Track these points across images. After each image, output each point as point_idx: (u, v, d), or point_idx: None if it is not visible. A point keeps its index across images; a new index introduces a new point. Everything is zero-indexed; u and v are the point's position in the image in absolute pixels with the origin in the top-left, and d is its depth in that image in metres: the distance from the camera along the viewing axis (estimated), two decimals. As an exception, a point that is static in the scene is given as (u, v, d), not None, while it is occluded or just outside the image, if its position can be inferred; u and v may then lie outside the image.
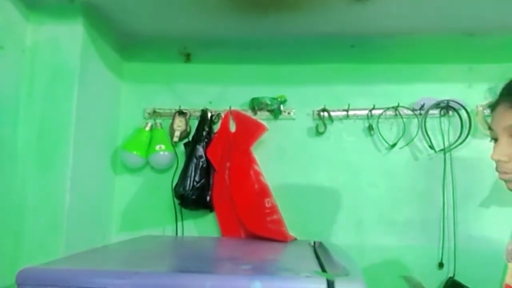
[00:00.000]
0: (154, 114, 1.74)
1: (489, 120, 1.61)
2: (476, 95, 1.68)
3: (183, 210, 1.66)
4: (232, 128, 1.70)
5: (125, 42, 1.76)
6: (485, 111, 1.64)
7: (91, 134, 1.52)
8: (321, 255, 1.19)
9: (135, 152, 1.64)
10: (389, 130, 1.70)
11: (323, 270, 0.95)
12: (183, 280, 0.86)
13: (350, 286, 0.80)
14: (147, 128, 1.69)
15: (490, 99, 1.64)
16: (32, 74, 1.40)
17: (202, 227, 1.69)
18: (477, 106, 1.65)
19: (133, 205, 1.71)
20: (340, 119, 1.71)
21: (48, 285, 0.87)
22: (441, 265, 1.59)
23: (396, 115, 1.69)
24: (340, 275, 0.87)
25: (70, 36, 1.43)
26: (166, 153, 1.65)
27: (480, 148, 1.65)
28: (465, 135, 1.64)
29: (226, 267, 1.03)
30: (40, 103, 1.39)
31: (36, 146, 1.37)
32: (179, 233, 1.66)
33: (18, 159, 1.35)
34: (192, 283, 0.84)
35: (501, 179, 0.90)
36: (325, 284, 0.80)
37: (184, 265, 1.09)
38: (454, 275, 1.57)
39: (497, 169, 0.89)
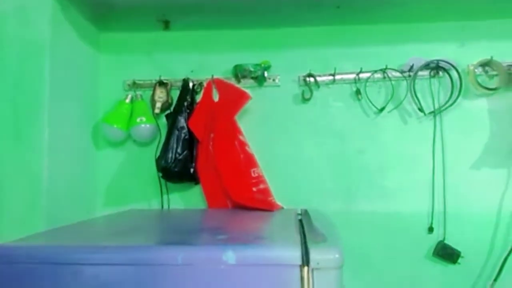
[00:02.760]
0: (134, 85, 1.68)
1: (480, 79, 1.57)
2: (468, 54, 1.61)
3: (168, 183, 1.63)
4: (215, 97, 1.64)
5: (100, 11, 1.68)
6: (476, 70, 1.58)
7: (68, 108, 1.47)
8: (305, 223, 1.16)
9: (115, 125, 1.59)
10: (377, 94, 1.64)
11: (304, 238, 0.92)
12: (156, 253, 0.83)
13: (325, 253, 0.78)
14: (127, 100, 1.64)
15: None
16: (1, 46, 1.34)
17: (188, 200, 1.66)
18: (468, 66, 1.58)
19: (117, 180, 1.68)
20: (327, 84, 1.65)
21: (17, 262, 0.84)
22: (430, 229, 1.57)
23: (384, 78, 1.63)
24: (318, 242, 0.85)
25: (38, 5, 1.36)
26: (148, 125, 1.61)
27: (471, 109, 1.60)
28: (456, 96, 1.58)
29: (203, 238, 1.00)
30: (12, 76, 1.34)
31: (9, 122, 1.32)
32: (165, 206, 1.64)
33: (-10, 136, 1.31)
34: (165, 255, 0.82)
35: None
36: (299, 251, 0.78)
37: (162, 238, 1.06)
38: (444, 239, 1.55)
39: None
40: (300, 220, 1.25)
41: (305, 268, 0.77)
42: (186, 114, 1.59)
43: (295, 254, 0.77)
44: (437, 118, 1.60)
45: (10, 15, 1.35)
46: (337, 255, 0.77)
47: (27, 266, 0.84)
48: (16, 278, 0.84)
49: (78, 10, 1.55)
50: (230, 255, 0.78)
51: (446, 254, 1.53)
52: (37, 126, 1.33)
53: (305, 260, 0.77)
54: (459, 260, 1.53)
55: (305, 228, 1.04)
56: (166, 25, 1.71)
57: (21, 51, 1.35)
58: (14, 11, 1.35)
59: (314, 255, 0.76)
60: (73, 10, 1.51)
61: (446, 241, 1.55)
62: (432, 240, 1.56)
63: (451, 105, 1.59)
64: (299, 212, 1.39)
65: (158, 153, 1.58)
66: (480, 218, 1.56)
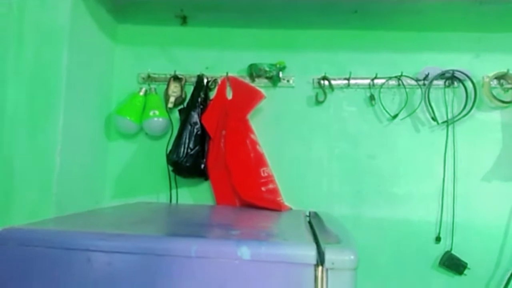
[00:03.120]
0: (149, 78, 1.69)
1: (495, 92, 1.56)
2: (483, 65, 1.61)
3: (178, 177, 1.63)
4: (229, 95, 1.65)
5: (119, 3, 1.70)
6: (491, 82, 1.58)
7: (83, 97, 1.48)
8: (315, 224, 1.16)
9: (128, 118, 1.60)
10: (391, 101, 1.64)
11: (316, 238, 0.92)
12: (169, 244, 0.83)
13: (341, 254, 0.77)
14: (141, 93, 1.64)
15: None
16: (20, 34, 1.35)
17: (196, 195, 1.66)
18: (483, 77, 1.58)
19: (127, 172, 1.68)
20: (341, 87, 1.65)
21: (30, 245, 0.84)
22: (438, 239, 1.56)
23: (398, 85, 1.63)
24: (332, 243, 0.84)
25: (59, -7, 1.37)
26: (160, 119, 1.61)
27: (484, 121, 1.60)
28: (470, 107, 1.58)
29: (215, 232, 1.00)
30: (29, 64, 1.35)
31: (25, 109, 1.33)
32: (173, 201, 1.64)
33: (6, 122, 1.31)
34: (178, 246, 0.81)
35: None
36: (314, 250, 0.77)
37: (173, 230, 1.06)
38: (451, 249, 1.55)
39: None
40: (309, 222, 1.25)
41: (320, 268, 0.76)
42: (200, 110, 1.59)
43: (310, 253, 0.77)
44: (450, 128, 1.59)
45: (33, 2, 1.36)
46: (352, 256, 0.77)
47: (40, 250, 0.84)
48: (28, 261, 0.84)
49: (98, 0, 1.55)
50: (244, 251, 0.78)
51: (453, 264, 1.53)
52: (52, 113, 1.33)
53: (320, 259, 0.76)
54: (465, 271, 1.52)
55: (316, 229, 1.04)
56: (184, 20, 1.72)
57: (40, 37, 1.35)
58: (35, -3, 1.36)
59: (329, 255, 0.76)
60: (93, 0, 1.51)
61: (453, 252, 1.54)
62: (439, 250, 1.56)
63: (464, 115, 1.58)
64: (308, 214, 1.39)
65: (170, 147, 1.58)
66: (488, 230, 1.55)
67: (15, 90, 1.33)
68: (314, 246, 0.79)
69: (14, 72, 1.34)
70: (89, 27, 1.52)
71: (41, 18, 1.36)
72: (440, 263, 1.54)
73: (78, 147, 1.45)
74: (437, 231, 1.57)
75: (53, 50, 1.36)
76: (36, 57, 1.35)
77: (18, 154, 1.31)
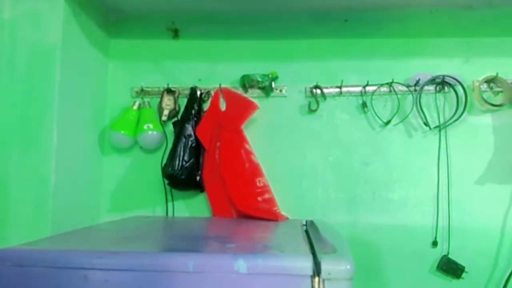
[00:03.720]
0: (142, 92, 1.69)
1: (485, 96, 1.58)
2: (473, 70, 1.63)
3: (174, 190, 1.63)
4: (222, 106, 1.65)
5: (111, 18, 1.71)
6: (481, 86, 1.60)
7: (76, 112, 1.48)
8: (311, 233, 1.16)
9: (122, 132, 1.60)
10: (383, 107, 1.65)
11: (312, 248, 0.92)
12: (166, 259, 0.83)
13: (336, 264, 0.78)
14: (135, 107, 1.65)
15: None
16: (12, 50, 1.36)
17: (193, 207, 1.66)
18: (473, 81, 1.60)
19: (122, 186, 1.68)
20: (333, 96, 1.67)
21: (26, 265, 0.84)
22: (435, 243, 1.57)
23: (390, 91, 1.64)
24: (328, 253, 0.85)
25: (51, 10, 1.38)
26: (155, 132, 1.61)
27: (476, 124, 1.61)
28: (461, 111, 1.59)
29: (212, 246, 1.00)
30: (21, 80, 1.35)
31: (19, 126, 1.33)
32: (170, 214, 1.63)
33: (-1, 139, 1.31)
34: (176, 262, 0.81)
35: None
36: (311, 262, 0.78)
37: (170, 245, 1.06)
38: (448, 253, 1.55)
39: None
40: (306, 231, 1.25)
41: (316, 279, 0.77)
42: (194, 122, 1.60)
43: (307, 265, 0.77)
44: (442, 132, 1.61)
45: (23, 20, 1.37)
46: (348, 266, 0.77)
47: (36, 270, 0.83)
48: (25, 281, 0.83)
49: (90, 16, 1.56)
50: (241, 264, 0.78)
51: (450, 268, 1.53)
52: (45, 131, 1.33)
53: (317, 270, 0.77)
54: (463, 275, 1.53)
55: (313, 239, 1.05)
56: (175, 33, 1.74)
57: (32, 55, 1.36)
58: (27, 15, 1.37)
59: (325, 265, 0.76)
60: (84, 16, 1.52)
61: (450, 256, 1.54)
62: (436, 254, 1.56)
63: (456, 120, 1.60)
64: (304, 223, 1.39)
65: (165, 160, 1.58)
66: (484, 233, 1.56)
67: (8, 108, 1.34)
68: (310, 257, 0.79)
69: (6, 90, 1.34)
70: (81, 43, 1.53)
71: (33, 35, 1.36)
72: (437, 267, 1.55)
73: (72, 163, 1.45)
74: (434, 235, 1.58)
75: (46, 67, 1.36)
76: (29, 74, 1.35)
77: (13, 172, 1.31)
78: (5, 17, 1.35)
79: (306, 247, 0.91)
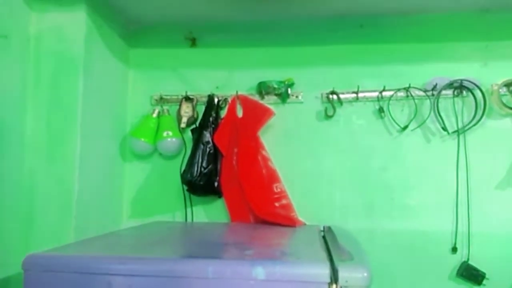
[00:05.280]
0: (161, 100, 1.73)
1: (504, 99, 1.56)
2: (491, 74, 1.61)
3: (192, 196, 1.66)
4: (239, 113, 1.68)
5: (130, 28, 1.76)
6: (500, 90, 1.58)
7: (98, 121, 1.53)
8: (329, 240, 1.17)
9: (143, 139, 1.64)
10: (400, 112, 1.65)
11: (330, 255, 0.93)
12: (186, 266, 0.86)
13: (354, 271, 0.79)
14: (155, 115, 1.69)
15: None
16: (38, 63, 1.41)
17: (211, 213, 1.68)
18: (492, 85, 1.58)
19: (142, 192, 1.72)
20: (350, 101, 1.67)
21: (54, 270, 0.88)
22: (454, 249, 1.55)
23: (407, 96, 1.64)
24: (345, 260, 0.86)
25: (74, 23, 1.43)
26: (174, 139, 1.65)
27: (495, 129, 1.59)
28: (480, 115, 1.58)
29: (231, 252, 1.02)
30: (47, 91, 1.41)
31: (44, 134, 1.39)
32: (189, 219, 1.67)
33: (26, 148, 1.37)
34: (196, 268, 0.84)
35: None
36: (328, 269, 0.79)
37: (190, 251, 1.08)
38: (468, 259, 1.54)
39: None
40: (324, 237, 1.26)
41: (334, 286, 0.78)
42: (211, 129, 1.63)
43: (324, 272, 0.79)
44: (461, 137, 1.60)
45: (48, 33, 1.42)
46: (365, 274, 0.78)
47: (63, 275, 0.87)
48: (52, 286, 0.87)
49: (110, 27, 1.61)
50: (259, 271, 0.80)
51: (471, 275, 1.51)
52: (70, 140, 1.39)
53: (334, 278, 0.78)
54: (484, 281, 1.51)
55: (330, 246, 1.06)
56: (193, 42, 1.77)
57: (56, 67, 1.41)
58: (51, 29, 1.42)
59: (342, 273, 0.78)
60: (105, 27, 1.57)
61: (470, 262, 1.53)
62: (456, 261, 1.55)
63: (475, 124, 1.58)
64: (322, 229, 1.40)
65: (184, 167, 1.62)
66: (505, 238, 1.54)
67: (34, 118, 1.39)
68: (327, 265, 0.80)
69: (32, 101, 1.39)
70: (102, 53, 1.58)
71: (57, 48, 1.42)
72: (457, 274, 1.53)
73: (95, 170, 1.49)
74: (453, 241, 1.56)
75: (70, 77, 1.41)
76: (53, 85, 1.41)
77: (39, 180, 1.37)
78: (31, 31, 1.40)
79: (323, 254, 0.92)
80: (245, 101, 1.68)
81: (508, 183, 1.57)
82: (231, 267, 0.83)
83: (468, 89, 1.60)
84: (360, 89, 1.65)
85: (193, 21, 1.75)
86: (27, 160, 1.37)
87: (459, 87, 1.61)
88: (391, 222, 1.60)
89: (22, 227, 1.34)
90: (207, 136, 1.62)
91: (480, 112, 1.58)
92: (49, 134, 1.38)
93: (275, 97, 1.70)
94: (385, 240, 1.59)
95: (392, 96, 1.64)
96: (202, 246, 1.12)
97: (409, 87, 1.63)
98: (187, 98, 1.71)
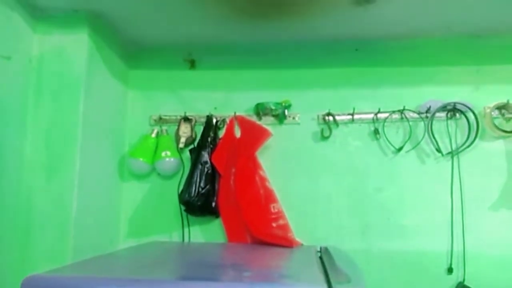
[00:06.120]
0: (160, 120, 1.75)
1: (497, 122, 1.60)
2: (483, 97, 1.65)
3: (190, 216, 1.66)
4: (237, 133, 1.70)
5: (131, 50, 1.79)
6: (493, 112, 1.62)
7: (97, 141, 1.54)
8: (326, 261, 1.18)
9: (141, 159, 1.66)
10: (395, 134, 1.68)
11: (327, 277, 0.94)
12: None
13: (351, 294, 0.80)
14: (153, 135, 1.71)
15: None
16: (39, 83, 1.43)
17: (208, 233, 1.69)
18: (484, 108, 1.62)
19: (140, 211, 1.72)
20: (346, 123, 1.70)
21: (52, 292, 0.88)
22: (450, 270, 1.56)
23: (402, 118, 1.67)
24: (342, 282, 0.87)
25: (75, 45, 1.46)
26: (172, 159, 1.66)
27: (488, 150, 1.63)
28: (473, 137, 1.61)
29: (229, 274, 1.03)
30: (47, 111, 1.42)
31: (43, 154, 1.40)
32: (186, 239, 1.67)
33: (25, 167, 1.38)
34: (194, 291, 0.85)
35: None
36: (325, 291, 0.80)
37: (188, 272, 1.09)
38: (464, 280, 1.55)
39: None
40: (321, 258, 1.27)
41: (331, 308, 0.79)
42: (209, 149, 1.65)
43: (322, 294, 0.80)
44: (455, 159, 1.63)
45: (49, 55, 1.45)
46: (362, 296, 0.79)
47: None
48: (50, 308, 0.87)
49: (111, 49, 1.65)
50: (258, 293, 0.81)
51: (466, 296, 1.52)
52: (69, 159, 1.40)
53: (331, 300, 0.79)
54: (480, 302, 1.51)
55: (327, 267, 1.07)
56: (192, 64, 1.81)
57: (58, 88, 1.44)
58: (53, 51, 1.45)
59: (340, 295, 0.79)
60: (106, 49, 1.60)
61: (465, 283, 1.54)
62: (452, 281, 1.56)
63: (468, 146, 1.62)
64: (319, 249, 1.41)
65: (182, 187, 1.63)
66: (500, 259, 1.55)
67: (34, 138, 1.40)
68: (325, 287, 0.81)
69: (33, 121, 1.41)
70: (103, 75, 1.60)
71: (59, 69, 1.44)
72: (454, 294, 1.54)
73: (93, 189, 1.50)
74: (449, 262, 1.57)
75: (71, 98, 1.43)
76: (54, 105, 1.43)
77: (37, 198, 1.37)
78: (33, 53, 1.43)
79: (321, 276, 0.93)
80: (243, 122, 1.71)
81: (501, 204, 1.59)
82: (230, 290, 0.84)
83: (461, 112, 1.64)
84: (355, 111, 1.68)
85: (192, 43, 1.79)
86: (26, 179, 1.37)
87: (452, 109, 1.65)
88: (387, 242, 1.61)
89: (20, 246, 1.33)
90: (205, 156, 1.63)
91: (473, 134, 1.62)
92: (48, 153, 1.40)
93: (272, 118, 1.72)
94: (381, 260, 1.59)
95: (387, 118, 1.67)
96: (199, 267, 1.12)
97: (404, 109, 1.67)
98: (186, 119, 1.73)
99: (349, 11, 1.45)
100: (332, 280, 0.88)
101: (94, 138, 1.51)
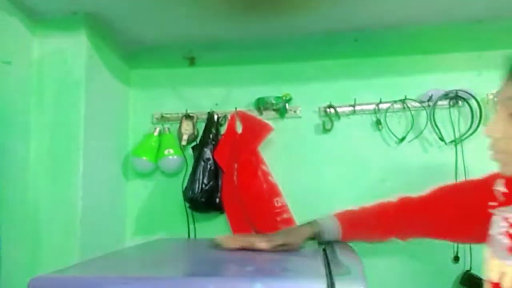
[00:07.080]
0: (162, 119, 1.77)
1: (500, 108, 1.58)
2: (486, 83, 1.63)
3: (195, 212, 1.68)
4: (239, 129, 1.71)
5: (130, 49, 1.80)
6: (495, 99, 1.60)
7: (101, 142, 1.56)
8: (329, 253, 1.18)
9: (144, 158, 1.67)
10: (397, 124, 1.67)
11: (329, 270, 0.95)
12: (187, 284, 0.87)
13: (350, 285, 0.80)
14: (156, 133, 1.72)
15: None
16: (40, 87, 1.45)
17: (213, 229, 1.70)
18: (487, 95, 1.61)
19: (145, 210, 1.74)
20: (347, 115, 1.70)
21: (58, 292, 0.90)
22: (456, 259, 1.56)
23: (403, 108, 1.66)
24: (342, 274, 0.87)
25: (75, 47, 1.47)
26: (175, 157, 1.68)
27: (492, 137, 1.61)
28: (476, 125, 1.60)
29: (231, 269, 1.04)
30: (50, 115, 1.44)
31: (48, 157, 1.42)
32: (192, 236, 1.68)
33: (30, 170, 1.40)
34: (196, 286, 0.86)
35: (494, 159, 0.85)
36: (325, 284, 0.80)
37: (192, 269, 1.10)
38: (470, 268, 1.54)
39: (490, 147, 0.84)
40: (324, 250, 1.27)
41: (331, 301, 0.79)
42: (212, 145, 1.66)
43: (321, 287, 0.80)
44: (459, 147, 1.61)
45: (50, 58, 1.46)
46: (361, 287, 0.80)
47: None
48: (57, 308, 0.89)
49: (111, 49, 1.66)
50: (259, 287, 0.81)
51: (474, 284, 1.51)
52: (73, 160, 1.41)
53: (331, 292, 0.79)
54: (487, 290, 1.51)
55: (330, 259, 1.07)
56: (192, 61, 1.82)
57: (59, 91, 1.45)
58: (53, 54, 1.47)
59: (339, 287, 0.79)
60: (106, 49, 1.61)
61: (472, 271, 1.53)
62: (458, 270, 1.55)
63: (471, 133, 1.60)
64: (323, 242, 1.41)
65: (185, 184, 1.64)
66: (507, 247, 1.54)
67: (38, 141, 1.43)
68: (324, 279, 0.82)
69: (35, 124, 1.43)
70: (103, 75, 1.62)
71: (59, 72, 1.46)
72: (460, 283, 1.54)
73: (98, 189, 1.52)
74: (455, 250, 1.57)
75: (72, 100, 1.45)
76: (56, 108, 1.44)
77: (43, 201, 1.40)
78: (33, 56, 1.45)
79: (322, 269, 0.93)
80: (244, 118, 1.71)
81: (507, 191, 1.58)
82: (231, 284, 0.85)
83: (464, 99, 1.63)
84: (357, 102, 1.68)
85: (191, 41, 1.79)
86: (31, 182, 1.40)
87: (454, 97, 1.63)
88: (392, 233, 1.61)
89: (28, 248, 1.36)
90: (207, 153, 1.64)
91: (476, 121, 1.60)
92: (52, 156, 1.42)
93: (273, 113, 1.73)
94: (388, 251, 1.59)
95: (388, 108, 1.67)
96: (203, 263, 1.13)
97: (405, 99, 1.66)
98: (187, 116, 1.74)
99: (346, 1, 1.44)
100: (333, 272, 0.88)
101: (97, 138, 1.53)
